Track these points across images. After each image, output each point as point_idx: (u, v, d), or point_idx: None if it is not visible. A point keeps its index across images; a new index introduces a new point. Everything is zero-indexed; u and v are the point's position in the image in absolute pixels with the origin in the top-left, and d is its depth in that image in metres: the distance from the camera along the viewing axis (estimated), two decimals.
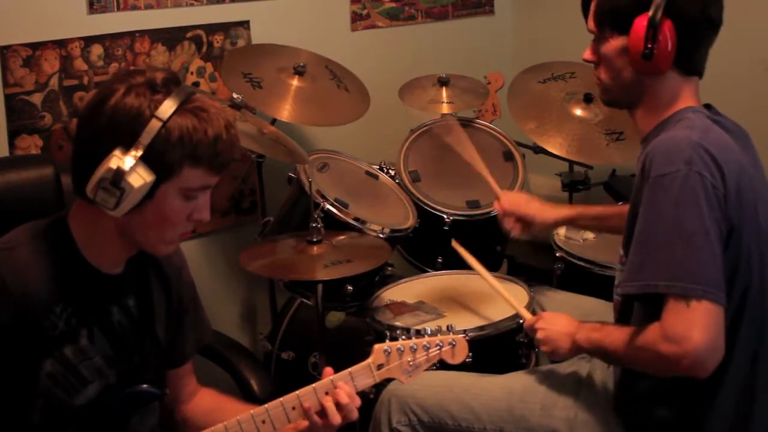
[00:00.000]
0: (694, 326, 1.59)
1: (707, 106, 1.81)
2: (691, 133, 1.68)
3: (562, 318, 1.96)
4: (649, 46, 1.70)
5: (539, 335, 1.97)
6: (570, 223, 2.37)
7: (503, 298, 2.24)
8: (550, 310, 2.30)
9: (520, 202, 2.32)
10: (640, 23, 1.71)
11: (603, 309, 2.14)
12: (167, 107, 1.49)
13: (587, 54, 1.86)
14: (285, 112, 2.65)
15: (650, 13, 1.69)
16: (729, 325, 1.68)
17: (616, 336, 1.76)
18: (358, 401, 1.65)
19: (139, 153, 1.47)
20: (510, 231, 2.35)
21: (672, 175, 1.63)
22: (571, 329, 1.90)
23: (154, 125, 1.48)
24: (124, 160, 1.47)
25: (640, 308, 1.74)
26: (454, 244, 2.43)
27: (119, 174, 1.47)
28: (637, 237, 1.68)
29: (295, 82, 2.74)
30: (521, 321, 2.32)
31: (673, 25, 1.70)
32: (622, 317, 1.83)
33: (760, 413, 1.74)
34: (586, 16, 1.86)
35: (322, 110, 2.75)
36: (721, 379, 1.70)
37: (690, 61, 1.77)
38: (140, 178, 1.48)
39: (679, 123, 1.74)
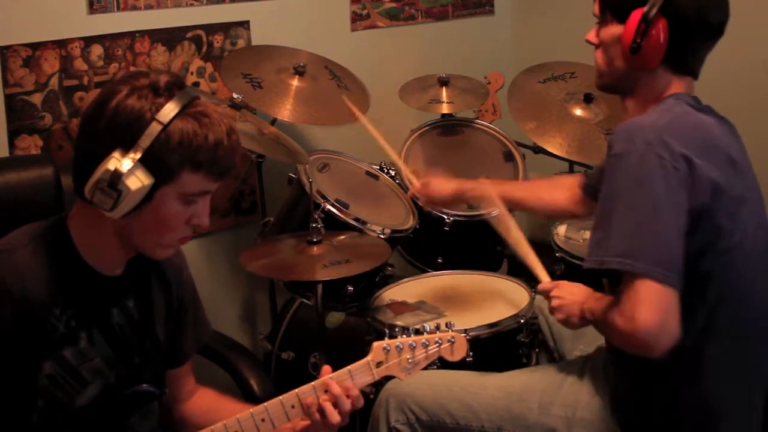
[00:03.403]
0: (640, 305, 1.60)
1: (694, 99, 1.82)
2: (659, 118, 1.70)
3: (577, 287, 1.94)
4: (638, 40, 1.72)
5: (553, 303, 1.95)
6: (466, 195, 2.35)
7: (520, 252, 2.16)
8: (550, 312, 2.30)
9: (425, 185, 2.37)
10: (636, 16, 1.73)
11: None
12: (168, 111, 1.48)
13: (590, 35, 1.88)
14: (286, 112, 2.65)
15: (645, 8, 1.71)
16: (710, 313, 1.69)
17: (602, 305, 1.77)
18: (356, 392, 1.65)
19: (138, 156, 1.47)
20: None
21: (629, 153, 1.65)
22: (582, 298, 1.89)
23: (155, 128, 1.47)
24: (123, 162, 1.47)
25: (615, 288, 1.75)
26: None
27: (117, 176, 1.46)
28: (597, 214, 1.71)
29: (295, 82, 2.74)
30: (522, 320, 2.33)
31: (667, 24, 1.71)
32: None
33: (754, 407, 1.76)
34: None
35: (322, 110, 2.74)
36: (710, 372, 1.72)
37: (682, 60, 1.78)
38: (138, 181, 1.48)
39: (655, 107, 1.76)
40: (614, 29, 1.79)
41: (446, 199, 2.36)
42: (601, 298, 1.82)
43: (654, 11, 1.70)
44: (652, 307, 1.59)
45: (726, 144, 1.75)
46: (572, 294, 1.93)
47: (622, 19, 1.76)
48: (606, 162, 1.72)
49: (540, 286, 2.04)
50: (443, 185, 2.34)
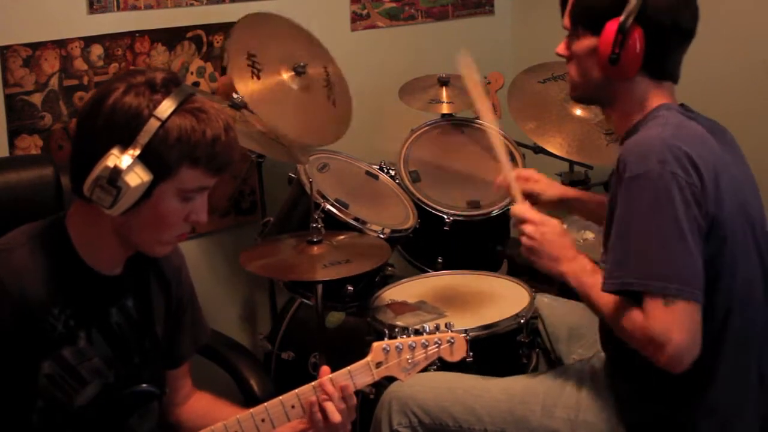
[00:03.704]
0: (673, 327, 1.61)
1: (681, 106, 1.82)
2: (663, 131, 1.70)
3: (558, 235, 1.85)
4: (617, 51, 1.72)
5: (526, 240, 1.86)
6: (572, 202, 2.22)
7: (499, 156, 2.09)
8: (550, 316, 2.30)
9: (528, 180, 2.20)
10: (611, 27, 1.72)
11: None
12: (166, 107, 1.49)
13: (560, 48, 1.88)
14: (268, 118, 2.60)
15: (621, 18, 1.71)
16: (720, 317, 1.70)
17: (606, 299, 1.73)
18: (353, 399, 1.65)
19: (137, 152, 1.47)
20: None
21: (645, 175, 1.64)
22: (565, 254, 1.82)
23: (153, 125, 1.48)
24: (122, 159, 1.47)
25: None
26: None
27: (116, 173, 1.46)
28: (615, 236, 1.70)
29: (288, 79, 2.72)
30: (522, 321, 2.32)
31: (642, 32, 1.72)
32: None
33: (754, 406, 1.75)
34: (563, 11, 1.88)
35: (298, 121, 2.69)
36: (716, 373, 1.72)
37: (660, 66, 1.78)
38: (137, 178, 1.48)
39: (652, 121, 1.75)
40: (588, 41, 1.79)
41: (552, 202, 2.18)
42: (592, 274, 1.76)
43: (630, 21, 1.70)
44: (684, 326, 1.61)
45: (719, 151, 1.75)
46: (551, 243, 1.83)
47: (596, 31, 1.76)
48: (617, 184, 1.70)
49: (514, 210, 1.93)
50: (551, 188, 2.17)
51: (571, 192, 2.23)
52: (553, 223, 1.87)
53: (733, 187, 1.71)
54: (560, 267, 1.82)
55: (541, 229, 1.85)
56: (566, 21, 1.86)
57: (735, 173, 1.76)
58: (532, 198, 2.15)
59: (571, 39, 1.85)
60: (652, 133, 1.71)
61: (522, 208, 1.91)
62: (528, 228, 1.86)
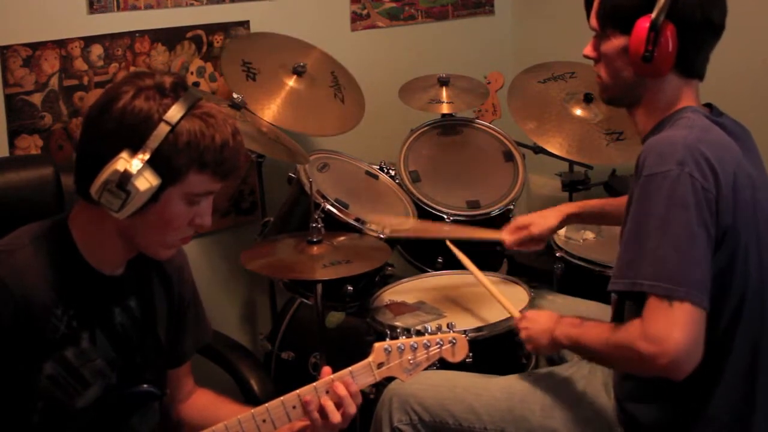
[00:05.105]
0: (674, 326, 1.58)
1: (708, 106, 1.81)
2: (688, 133, 1.68)
3: (544, 315, 1.98)
4: (650, 48, 1.69)
5: (522, 334, 2.00)
6: (573, 222, 2.37)
7: (493, 296, 2.27)
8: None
9: (521, 229, 2.35)
10: (642, 25, 1.69)
11: (602, 313, 2.14)
12: (176, 111, 1.48)
13: (588, 50, 1.84)
14: (269, 112, 2.63)
15: (653, 15, 1.68)
16: (727, 325, 1.68)
17: (595, 333, 1.75)
18: (359, 398, 1.65)
19: (147, 156, 1.47)
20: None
21: (663, 175, 1.62)
22: (551, 325, 1.90)
23: (163, 129, 1.47)
24: (132, 163, 1.47)
25: (632, 306, 1.74)
26: (449, 244, 2.47)
27: (126, 177, 1.46)
28: (627, 235, 1.68)
29: (291, 82, 2.73)
30: None
31: (674, 29, 1.69)
32: (616, 315, 1.83)
33: (761, 412, 1.74)
34: (588, 11, 1.84)
35: (308, 116, 2.71)
36: (720, 378, 1.70)
37: (690, 64, 1.76)
38: (146, 182, 1.48)
39: (678, 122, 1.73)
40: (617, 41, 1.76)
41: (552, 233, 2.38)
42: (579, 325, 1.82)
43: (662, 17, 1.68)
44: (686, 328, 1.59)
45: (741, 157, 1.73)
46: (538, 323, 1.95)
47: (625, 30, 1.73)
48: (636, 179, 1.69)
49: (514, 323, 2.09)
50: (546, 221, 2.33)
51: (565, 212, 2.33)
52: (532, 313, 2.05)
53: (752, 199, 1.69)
54: (553, 335, 1.88)
55: (525, 325, 2.00)
56: (593, 21, 1.82)
57: (756, 184, 1.73)
58: (533, 241, 2.34)
59: (598, 40, 1.81)
60: (676, 134, 1.69)
61: (515, 322, 2.08)
62: (522, 333, 2.01)
